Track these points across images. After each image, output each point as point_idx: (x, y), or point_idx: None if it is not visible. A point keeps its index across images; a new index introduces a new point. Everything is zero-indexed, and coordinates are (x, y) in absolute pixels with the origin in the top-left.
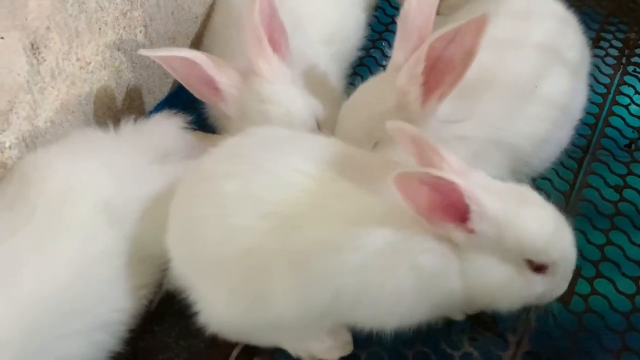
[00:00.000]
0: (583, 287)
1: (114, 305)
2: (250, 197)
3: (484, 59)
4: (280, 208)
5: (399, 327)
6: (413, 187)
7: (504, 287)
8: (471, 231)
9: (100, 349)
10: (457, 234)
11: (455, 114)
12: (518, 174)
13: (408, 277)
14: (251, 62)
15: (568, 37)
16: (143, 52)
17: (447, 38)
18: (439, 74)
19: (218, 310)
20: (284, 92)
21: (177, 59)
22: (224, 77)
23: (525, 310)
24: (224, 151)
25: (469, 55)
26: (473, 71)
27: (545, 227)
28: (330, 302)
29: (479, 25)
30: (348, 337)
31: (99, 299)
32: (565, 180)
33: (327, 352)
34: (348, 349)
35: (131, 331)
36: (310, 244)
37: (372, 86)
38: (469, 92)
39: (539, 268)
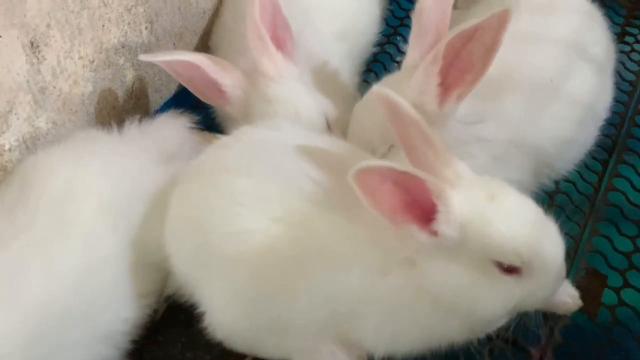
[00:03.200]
0: (609, 298)
1: (118, 315)
2: (264, 199)
3: (504, 56)
4: (290, 215)
5: (404, 354)
6: (374, 183)
7: (471, 293)
8: (435, 233)
9: None
10: (420, 235)
11: (475, 114)
12: (540, 176)
13: (383, 310)
14: (255, 61)
15: (593, 32)
16: (143, 57)
17: (467, 35)
18: (458, 72)
19: (221, 310)
20: (290, 90)
21: (180, 62)
22: (228, 79)
23: (548, 322)
24: (235, 144)
25: (489, 52)
26: (493, 69)
27: (513, 225)
28: (327, 318)
29: (502, 21)
30: (363, 352)
31: (101, 308)
32: (590, 183)
33: None
34: None
35: (135, 342)
36: (312, 257)
37: (386, 86)
38: (489, 91)
39: (510, 270)
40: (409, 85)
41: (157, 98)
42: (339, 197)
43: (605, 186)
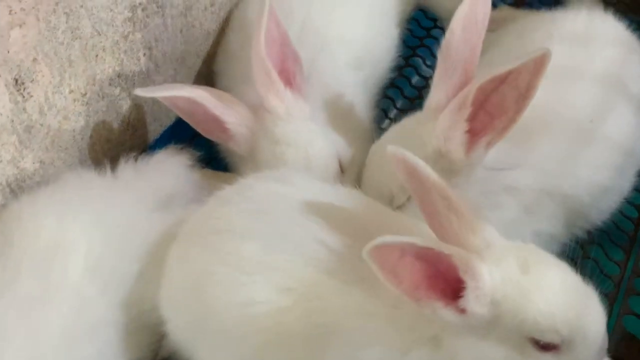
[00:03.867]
0: None
1: None
2: (271, 266)
3: (537, 95)
4: (299, 285)
5: None
6: (393, 259)
7: None
8: (463, 311)
9: None
10: (446, 313)
11: (504, 160)
12: (573, 227)
13: None
14: (261, 97)
15: (633, 67)
16: (139, 92)
17: (499, 78)
18: (487, 118)
19: None
20: (300, 131)
21: (180, 98)
22: (232, 117)
23: None
24: (239, 200)
25: (524, 98)
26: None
27: (551, 299)
28: None
29: (539, 65)
30: None
31: None
32: (626, 233)
33: None
34: None
35: None
36: (324, 334)
37: (406, 129)
38: (520, 134)
39: (548, 347)
40: (433, 130)
41: (156, 127)
42: (355, 266)
43: None
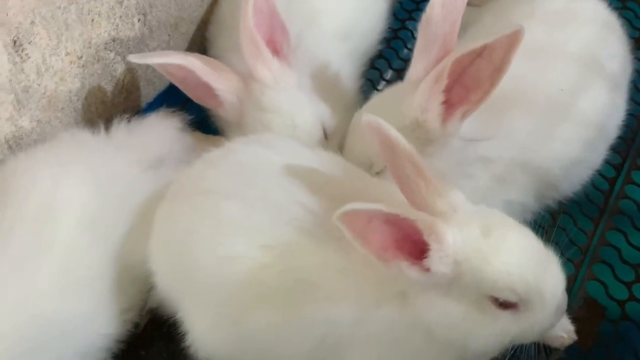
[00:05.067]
0: (606, 331)
1: (97, 332)
2: (252, 225)
3: (513, 71)
4: (278, 243)
5: None
6: (362, 224)
7: (465, 328)
8: (427, 270)
9: None
10: (411, 272)
11: (478, 131)
12: (544, 198)
13: (374, 344)
14: (249, 67)
15: (610, 46)
16: (132, 58)
17: (475, 53)
18: (463, 90)
19: (204, 333)
20: (287, 99)
21: (172, 64)
22: (222, 84)
23: (541, 354)
24: (225, 162)
25: (497, 72)
26: (501, 83)
27: (509, 261)
28: (314, 350)
29: (512, 40)
30: None
31: (81, 326)
32: (596, 204)
33: None
34: None
35: (115, 356)
36: (300, 287)
37: (386, 100)
38: (495, 107)
39: (506, 305)
40: (411, 101)
41: (149, 91)
42: (331, 227)
43: (612, 207)
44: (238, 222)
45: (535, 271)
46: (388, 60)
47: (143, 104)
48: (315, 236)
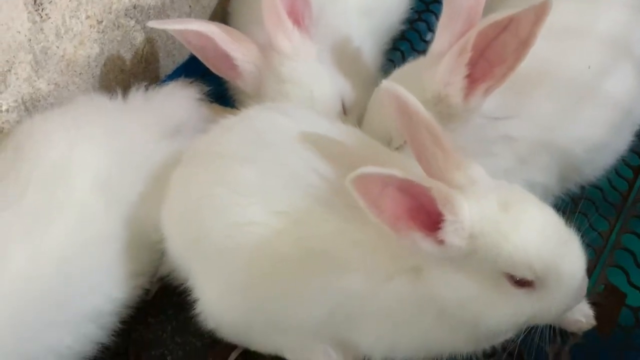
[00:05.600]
0: (626, 318)
1: (107, 295)
2: (266, 191)
3: (539, 48)
4: (293, 210)
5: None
6: (375, 190)
7: (479, 305)
8: (441, 242)
9: (89, 341)
10: (425, 244)
11: (502, 109)
12: (567, 181)
13: (385, 317)
14: (269, 36)
15: (639, 29)
16: (152, 24)
17: (500, 25)
18: (487, 65)
19: (214, 300)
20: (306, 70)
21: (191, 31)
22: (241, 53)
23: (558, 339)
24: (242, 128)
25: (523, 46)
26: (526, 62)
27: (527, 237)
28: (324, 320)
29: (540, 13)
30: (358, 355)
31: (90, 288)
32: (619, 191)
33: None
34: None
35: (123, 322)
36: (313, 256)
37: (408, 74)
38: (519, 86)
39: (522, 283)
40: (434, 74)
41: (168, 63)
42: (346, 196)
43: (635, 196)
44: (252, 188)
45: (555, 249)
46: (411, 42)
47: (162, 76)
48: (330, 205)
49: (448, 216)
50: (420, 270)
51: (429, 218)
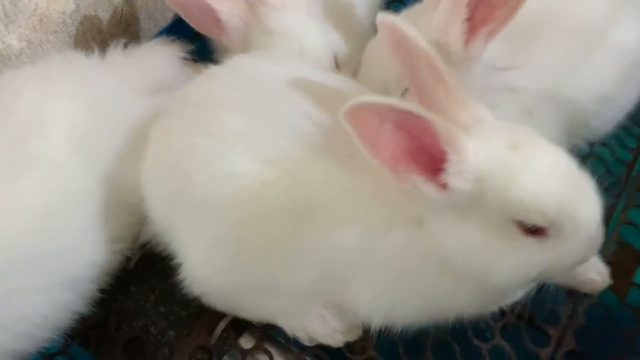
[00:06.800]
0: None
1: (83, 259)
2: (255, 139)
3: None
4: (282, 158)
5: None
6: (372, 125)
7: (487, 257)
8: (444, 186)
9: (64, 309)
10: (427, 188)
11: (505, 59)
12: (574, 136)
13: (383, 274)
14: None
15: None
16: None
17: None
18: (488, 7)
19: (199, 263)
20: (295, 23)
21: None
22: (225, 6)
23: (571, 300)
24: (227, 75)
25: None
26: (529, 6)
27: (539, 178)
28: (319, 280)
29: None
30: (357, 320)
31: (64, 251)
32: (628, 149)
33: (330, 336)
34: (355, 334)
35: (103, 291)
36: (305, 209)
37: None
38: (523, 33)
39: (534, 231)
40: (431, 19)
41: (150, 26)
42: (341, 141)
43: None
44: (238, 136)
45: (569, 192)
46: (405, 3)
47: (143, 40)
48: (323, 152)
49: (452, 155)
50: (421, 220)
51: (430, 160)
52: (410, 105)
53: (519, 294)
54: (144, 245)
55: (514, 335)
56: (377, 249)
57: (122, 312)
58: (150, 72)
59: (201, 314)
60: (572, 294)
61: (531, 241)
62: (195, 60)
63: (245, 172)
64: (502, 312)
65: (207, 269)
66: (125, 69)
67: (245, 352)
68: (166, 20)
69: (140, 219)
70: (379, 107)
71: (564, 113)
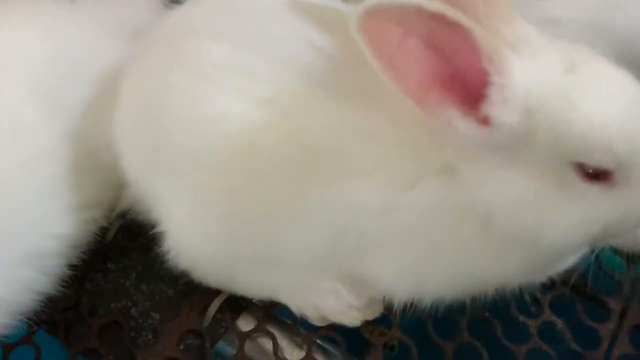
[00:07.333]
0: None
1: (47, 229)
2: (245, 71)
3: None
4: (280, 95)
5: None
6: (392, 41)
7: (539, 211)
8: (485, 121)
9: (26, 289)
10: (463, 125)
11: None
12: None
13: (409, 237)
14: None
15: None
16: None
17: None
18: None
19: (185, 229)
20: None
21: None
22: None
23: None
24: (212, 1)
25: None
26: None
27: (606, 107)
28: (331, 247)
29: None
30: (377, 294)
31: (25, 220)
32: None
33: (345, 314)
34: (376, 310)
35: (74, 268)
36: (309, 157)
37: None
38: None
39: (597, 176)
40: None
41: None
42: (352, 73)
43: None
44: (227, 68)
45: None
46: None
47: None
48: (331, 86)
49: (496, 78)
50: (454, 169)
51: (467, 88)
52: (444, 6)
53: (570, 260)
54: (123, 214)
55: (566, 310)
56: (401, 208)
57: (98, 292)
58: (127, 15)
59: (191, 292)
60: (634, 260)
61: (594, 189)
62: (179, 3)
63: (234, 113)
64: (551, 285)
65: (194, 236)
66: (99, 10)
67: (244, 336)
68: None
69: (117, 182)
70: (403, 11)
71: (614, 47)
